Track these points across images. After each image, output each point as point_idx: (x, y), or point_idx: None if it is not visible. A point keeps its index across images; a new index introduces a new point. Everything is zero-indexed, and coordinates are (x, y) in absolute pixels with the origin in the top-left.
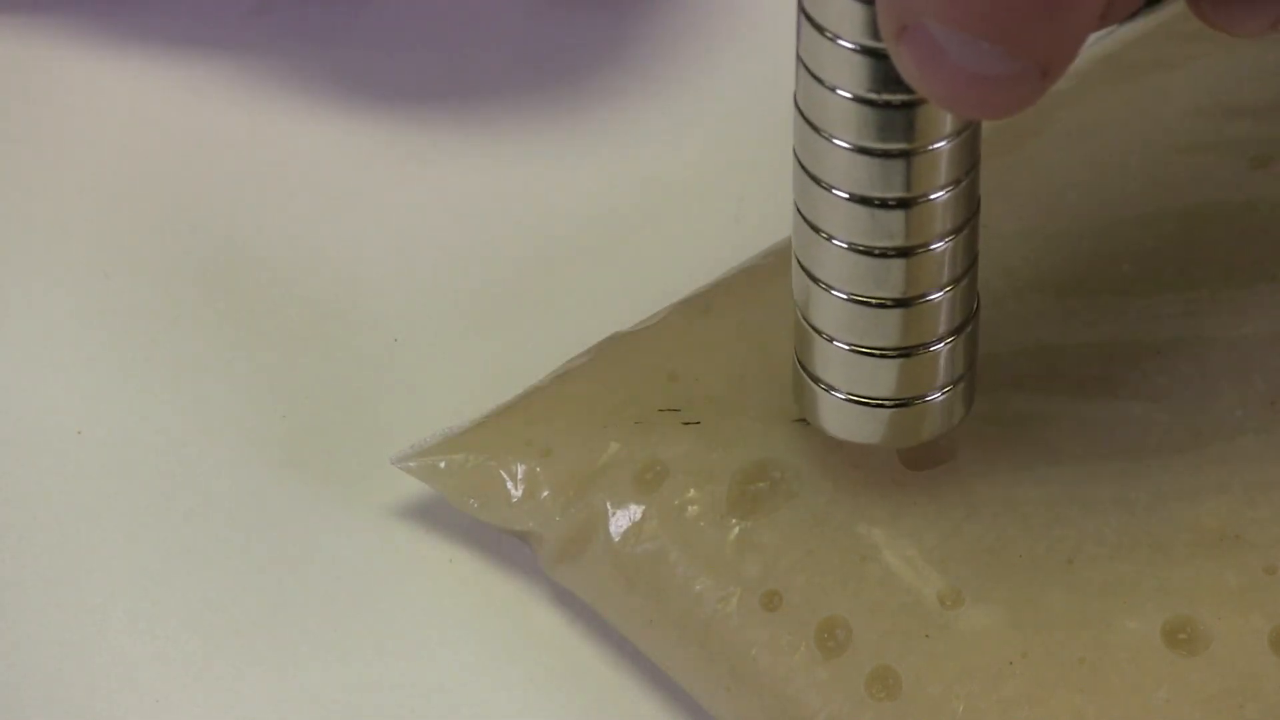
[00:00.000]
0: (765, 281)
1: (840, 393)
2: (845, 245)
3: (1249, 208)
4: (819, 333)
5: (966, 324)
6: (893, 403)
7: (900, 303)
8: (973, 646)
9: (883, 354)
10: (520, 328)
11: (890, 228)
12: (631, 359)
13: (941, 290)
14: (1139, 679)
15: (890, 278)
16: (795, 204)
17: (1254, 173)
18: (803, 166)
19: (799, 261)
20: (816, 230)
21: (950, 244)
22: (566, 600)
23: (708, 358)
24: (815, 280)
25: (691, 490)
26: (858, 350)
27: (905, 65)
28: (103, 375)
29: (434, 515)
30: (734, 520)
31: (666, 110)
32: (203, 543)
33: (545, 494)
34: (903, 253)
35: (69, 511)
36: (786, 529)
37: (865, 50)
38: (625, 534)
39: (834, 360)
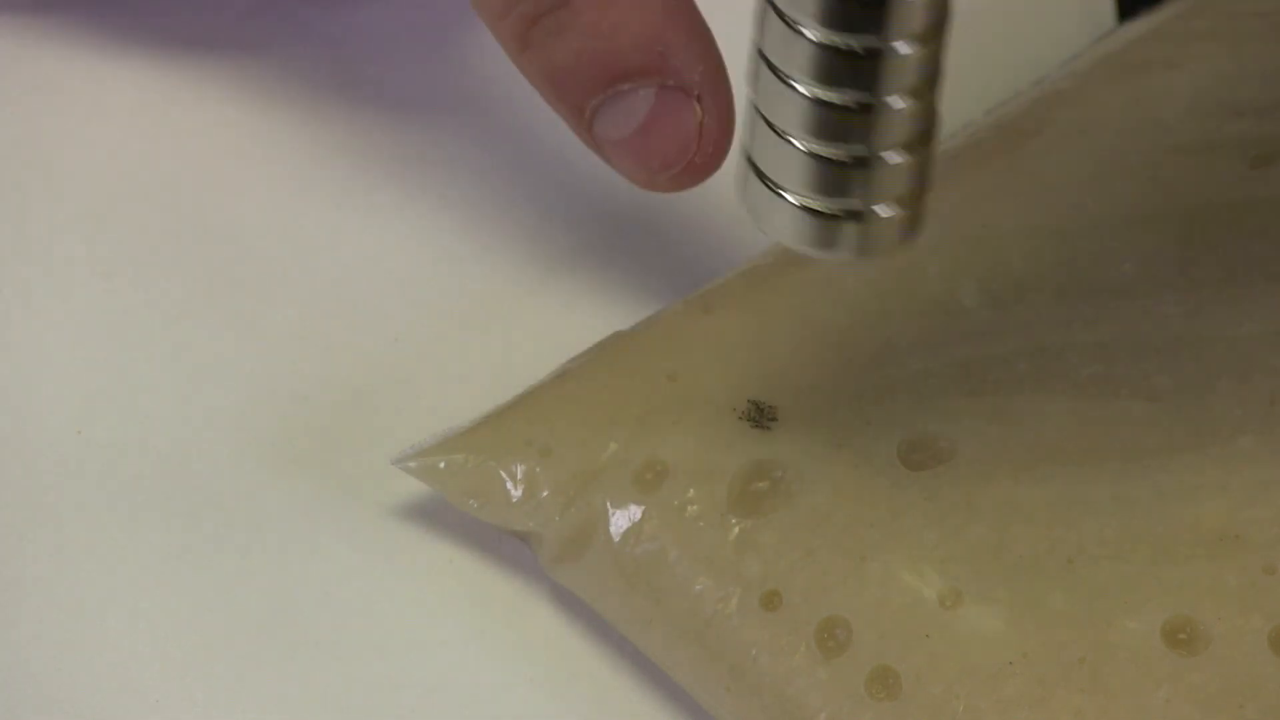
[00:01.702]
0: (765, 281)
1: (794, 197)
2: (816, 39)
3: (1249, 208)
4: (778, 133)
5: (925, 141)
6: (844, 213)
7: (864, 107)
8: (973, 646)
9: (840, 160)
10: (520, 328)
11: (863, 24)
12: (631, 359)
13: (906, 98)
14: (1139, 679)
15: (858, 79)
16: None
17: (1254, 173)
18: None
19: (764, 56)
20: (787, 21)
21: (919, 51)
22: (566, 600)
23: (708, 358)
24: (781, 76)
25: (691, 490)
26: (816, 154)
27: None
28: (103, 375)
29: (434, 515)
30: (734, 520)
31: None
32: (203, 543)
33: (545, 494)
34: (873, 54)
35: (69, 511)
36: (786, 529)
37: None
38: (625, 534)
39: (791, 162)
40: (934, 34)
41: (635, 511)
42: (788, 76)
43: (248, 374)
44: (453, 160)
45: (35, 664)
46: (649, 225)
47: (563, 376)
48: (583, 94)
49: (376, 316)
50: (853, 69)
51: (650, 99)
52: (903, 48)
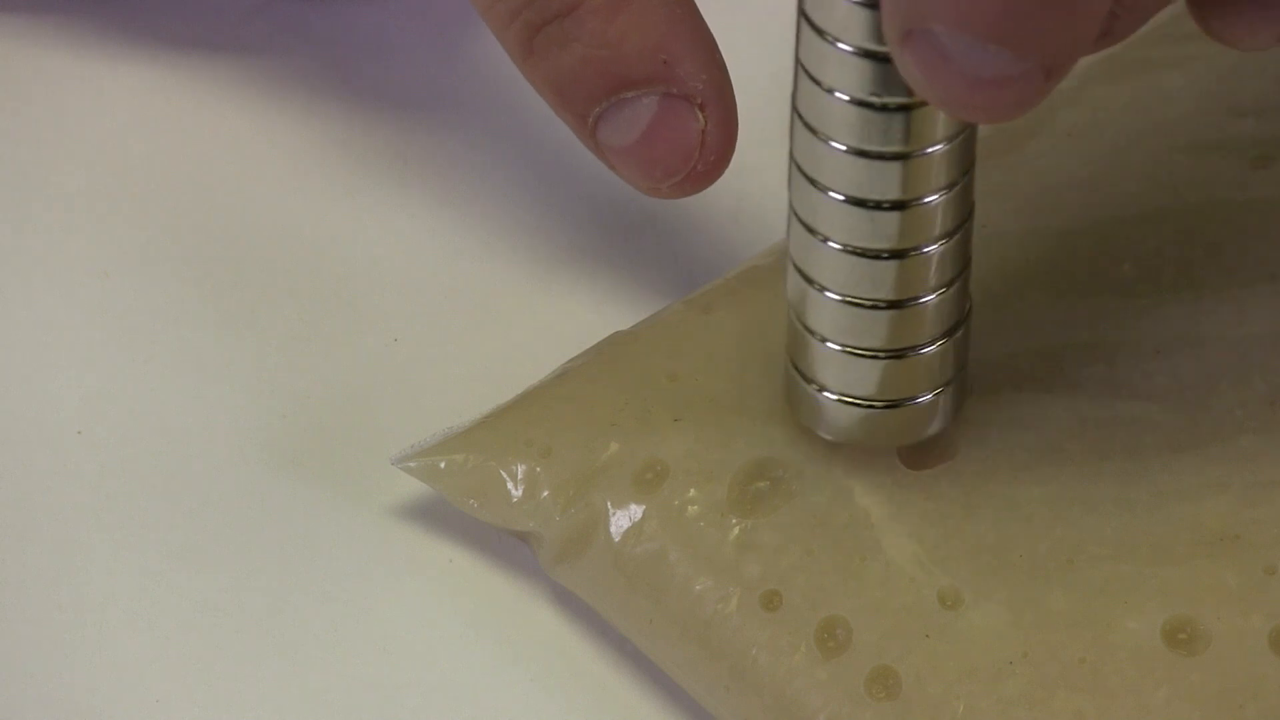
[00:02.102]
0: (765, 281)
1: (832, 393)
2: (840, 247)
3: (1249, 208)
4: (812, 334)
5: (958, 328)
6: (883, 403)
7: (893, 304)
8: (973, 646)
9: (874, 355)
10: (520, 328)
11: (885, 230)
12: (631, 359)
13: (933, 293)
14: (1139, 679)
15: (883, 279)
16: (791, 206)
17: (1254, 173)
18: (800, 169)
19: (794, 263)
20: (812, 232)
21: (943, 247)
22: (566, 600)
23: (708, 358)
24: (810, 281)
25: (691, 490)
26: (850, 351)
27: (909, 70)
28: (103, 375)
29: (434, 515)
30: (734, 520)
31: None
32: (203, 543)
33: (545, 494)
34: (896, 255)
35: (69, 511)
36: (786, 529)
37: (865, 54)
38: (625, 534)
39: (826, 361)
40: (957, 229)
41: (635, 511)
42: (820, 286)
43: (247, 374)
44: (453, 160)
45: (35, 664)
46: (649, 225)
47: (563, 376)
48: (586, 101)
49: (376, 316)
50: (879, 272)
51: (653, 107)
52: (928, 247)
